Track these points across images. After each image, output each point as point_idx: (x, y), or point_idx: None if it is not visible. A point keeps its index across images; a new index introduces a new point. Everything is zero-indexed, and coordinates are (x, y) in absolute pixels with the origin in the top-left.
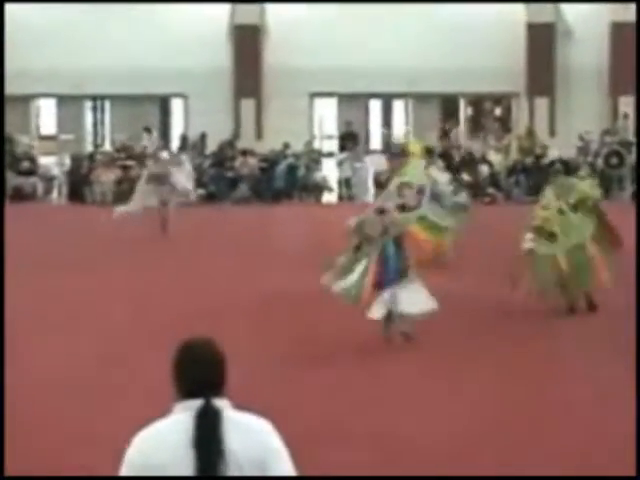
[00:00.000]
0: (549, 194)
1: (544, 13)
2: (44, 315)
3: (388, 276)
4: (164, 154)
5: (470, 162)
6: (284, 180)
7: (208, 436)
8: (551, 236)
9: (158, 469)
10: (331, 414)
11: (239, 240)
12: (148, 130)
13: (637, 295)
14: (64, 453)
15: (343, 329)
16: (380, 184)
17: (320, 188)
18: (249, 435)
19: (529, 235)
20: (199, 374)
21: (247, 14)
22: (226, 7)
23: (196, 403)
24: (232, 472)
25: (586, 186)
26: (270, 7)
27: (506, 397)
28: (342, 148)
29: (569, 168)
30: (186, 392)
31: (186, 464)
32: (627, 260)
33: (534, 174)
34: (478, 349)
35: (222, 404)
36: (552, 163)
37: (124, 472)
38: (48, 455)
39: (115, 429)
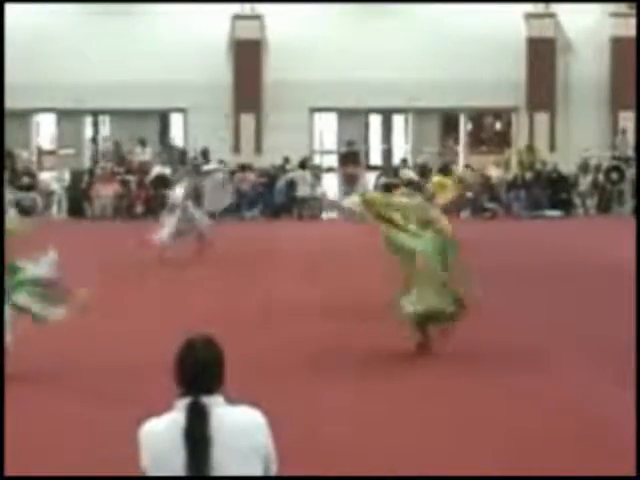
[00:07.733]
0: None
1: (544, 28)
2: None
3: None
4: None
5: None
6: (284, 195)
7: (196, 434)
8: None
9: (160, 466)
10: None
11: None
12: (142, 143)
13: (637, 309)
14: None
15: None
16: None
17: (320, 203)
18: (238, 431)
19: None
20: (192, 375)
21: (247, 29)
22: (226, 22)
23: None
24: (221, 466)
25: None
26: (270, 22)
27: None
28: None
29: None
30: (183, 390)
31: (179, 460)
32: (627, 274)
33: (534, 189)
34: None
35: (213, 401)
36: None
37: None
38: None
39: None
